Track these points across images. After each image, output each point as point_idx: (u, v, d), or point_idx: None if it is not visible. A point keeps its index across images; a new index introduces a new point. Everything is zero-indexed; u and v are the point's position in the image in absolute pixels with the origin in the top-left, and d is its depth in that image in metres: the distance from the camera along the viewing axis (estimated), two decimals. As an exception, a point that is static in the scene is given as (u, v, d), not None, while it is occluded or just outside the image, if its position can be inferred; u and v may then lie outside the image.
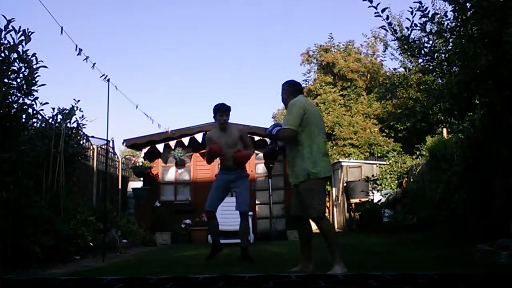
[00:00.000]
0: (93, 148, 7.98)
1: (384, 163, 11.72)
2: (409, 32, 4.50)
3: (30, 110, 4.42)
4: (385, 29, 4.84)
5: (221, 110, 4.46)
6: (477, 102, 4.78)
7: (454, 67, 4.63)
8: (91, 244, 5.35)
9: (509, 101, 4.04)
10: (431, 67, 4.94)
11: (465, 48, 4.06)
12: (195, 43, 38.13)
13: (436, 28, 4.50)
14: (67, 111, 6.09)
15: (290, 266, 3.45)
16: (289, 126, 3.22)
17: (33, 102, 4.41)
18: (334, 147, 15.56)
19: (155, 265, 4.51)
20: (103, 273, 3.27)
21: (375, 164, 11.97)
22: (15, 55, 4.13)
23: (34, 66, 4.26)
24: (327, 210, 11.67)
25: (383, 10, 4.32)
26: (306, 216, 3.34)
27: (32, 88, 4.28)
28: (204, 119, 9.51)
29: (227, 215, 7.48)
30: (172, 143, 8.77)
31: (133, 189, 8.81)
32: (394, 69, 16.14)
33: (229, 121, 4.61)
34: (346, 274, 2.62)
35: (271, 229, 8.37)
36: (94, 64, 5.49)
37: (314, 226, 3.35)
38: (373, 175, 11.06)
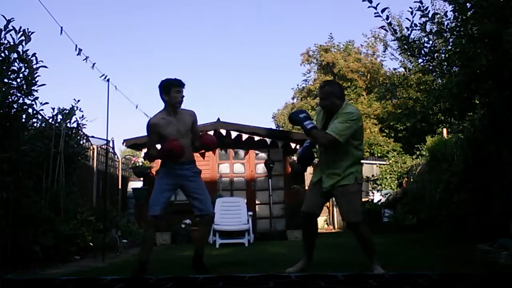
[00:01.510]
0: (93, 148, 7.98)
1: (384, 163, 11.73)
2: (409, 32, 4.51)
3: (30, 110, 4.43)
4: (385, 29, 4.84)
5: (178, 85, 3.41)
6: (477, 102, 4.79)
7: (454, 67, 4.63)
8: (91, 244, 5.35)
9: (509, 101, 4.04)
10: (431, 67, 4.94)
11: (465, 48, 4.06)
12: (194, 43, 38.15)
13: (436, 28, 4.50)
14: (67, 111, 6.09)
15: (290, 266, 3.45)
16: (336, 135, 3.04)
17: (33, 102, 4.43)
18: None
19: (155, 265, 4.51)
20: (103, 273, 3.28)
21: (375, 164, 11.98)
22: (15, 55, 4.13)
23: (34, 66, 4.26)
24: (327, 210, 11.67)
25: (383, 10, 4.32)
26: (346, 221, 3.33)
27: (32, 88, 4.29)
28: (204, 119, 9.50)
29: (227, 215, 7.49)
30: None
31: (133, 189, 8.81)
32: (394, 69, 16.18)
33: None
34: (346, 274, 2.62)
35: (271, 229, 8.36)
36: (94, 64, 5.49)
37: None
38: (373, 175, 11.07)
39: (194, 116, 3.57)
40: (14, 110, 4.18)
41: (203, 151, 3.64)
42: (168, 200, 3.47)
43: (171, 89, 3.38)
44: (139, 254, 3.55)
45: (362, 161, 3.42)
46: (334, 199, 3.40)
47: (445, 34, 4.41)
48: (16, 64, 4.15)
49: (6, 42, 4.07)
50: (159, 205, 3.37)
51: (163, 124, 3.39)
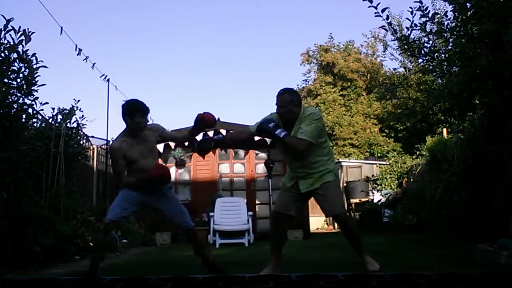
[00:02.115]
0: (93, 148, 7.98)
1: (384, 163, 11.74)
2: (409, 32, 4.50)
3: (30, 110, 4.43)
4: (385, 29, 4.84)
5: (144, 111, 3.27)
6: (477, 102, 4.78)
7: (454, 67, 4.63)
8: (91, 244, 5.35)
9: (509, 101, 4.04)
10: (431, 67, 4.94)
11: (465, 48, 4.06)
12: (194, 43, 38.07)
13: (436, 28, 4.50)
14: (67, 111, 6.09)
15: (290, 266, 3.45)
16: (309, 139, 3.07)
17: (33, 102, 4.42)
18: (334, 147, 15.57)
19: (155, 265, 4.52)
20: (103, 273, 3.27)
21: (375, 164, 11.99)
22: (15, 55, 4.13)
23: (34, 66, 4.26)
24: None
25: (383, 10, 4.32)
26: (331, 214, 3.32)
27: (32, 88, 4.29)
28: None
29: (227, 215, 7.49)
30: (172, 143, 8.76)
31: (133, 189, 8.80)
32: (394, 69, 16.22)
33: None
34: (346, 274, 2.62)
35: (271, 229, 8.36)
36: (94, 64, 5.50)
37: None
38: (373, 175, 11.07)
39: (158, 130, 3.44)
40: (14, 110, 4.18)
41: (202, 131, 3.52)
42: (128, 213, 3.35)
43: (136, 114, 3.23)
44: (90, 258, 3.38)
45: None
46: (314, 198, 3.33)
47: (445, 34, 4.41)
48: (16, 64, 4.15)
49: (6, 42, 4.07)
50: (114, 212, 3.25)
51: (125, 147, 3.24)
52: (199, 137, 3.63)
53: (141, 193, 3.28)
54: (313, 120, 3.13)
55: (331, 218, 12.01)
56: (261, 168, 8.93)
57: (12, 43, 4.09)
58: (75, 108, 6.20)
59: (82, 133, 6.80)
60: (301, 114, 3.19)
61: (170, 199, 3.38)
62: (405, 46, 4.61)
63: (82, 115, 6.36)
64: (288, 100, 3.18)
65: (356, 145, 15.78)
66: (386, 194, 10.14)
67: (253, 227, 7.80)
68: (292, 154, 3.25)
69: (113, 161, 3.35)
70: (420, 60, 5.12)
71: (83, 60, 5.41)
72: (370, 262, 3.21)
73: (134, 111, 3.24)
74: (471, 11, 4.09)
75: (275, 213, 3.37)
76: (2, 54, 4.04)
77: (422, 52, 4.58)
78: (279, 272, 3.15)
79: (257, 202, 8.86)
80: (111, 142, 3.35)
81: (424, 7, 4.28)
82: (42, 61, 4.32)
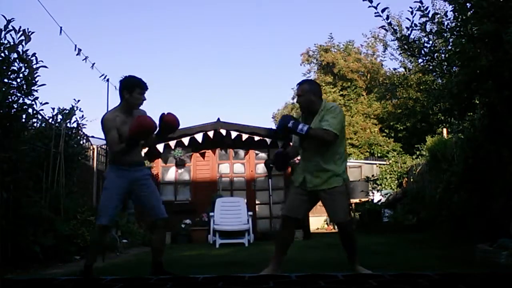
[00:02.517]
0: (93, 148, 7.98)
1: (384, 163, 11.74)
2: (409, 32, 4.51)
3: (30, 110, 4.43)
4: (385, 29, 4.85)
5: (143, 87, 3.25)
6: (477, 102, 4.78)
7: (454, 67, 4.63)
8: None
9: (509, 101, 4.04)
10: (431, 67, 4.94)
11: (465, 48, 4.06)
12: (194, 43, 38.11)
13: (436, 28, 4.50)
14: (67, 111, 6.09)
15: (290, 266, 3.45)
16: (334, 130, 3.07)
17: (33, 102, 4.42)
18: (334, 147, 15.58)
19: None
20: (103, 273, 3.27)
21: (375, 164, 12.00)
22: (15, 55, 4.13)
23: (34, 66, 4.26)
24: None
25: (383, 10, 4.32)
26: (336, 220, 3.25)
27: (32, 88, 4.29)
28: (204, 119, 9.50)
29: (227, 215, 7.50)
30: (172, 143, 8.76)
31: (133, 189, 8.80)
32: (394, 69, 16.22)
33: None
34: (346, 274, 2.62)
35: (271, 229, 8.36)
36: (93, 64, 5.49)
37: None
38: (373, 175, 11.08)
39: (145, 112, 3.37)
40: (14, 110, 4.18)
41: (166, 134, 3.36)
42: (118, 209, 3.28)
43: (135, 89, 3.19)
44: (86, 258, 3.37)
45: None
46: (320, 200, 3.29)
47: (445, 34, 4.41)
48: (16, 64, 4.15)
49: (6, 42, 4.07)
50: (108, 216, 3.18)
51: (118, 122, 3.16)
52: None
53: (123, 180, 3.19)
54: (337, 114, 3.15)
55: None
56: (261, 168, 8.94)
57: (12, 43, 4.09)
58: (75, 108, 6.20)
59: (82, 133, 6.80)
60: (322, 106, 3.19)
61: (149, 188, 3.28)
62: (405, 46, 4.61)
63: (82, 115, 6.37)
64: (307, 89, 3.23)
65: (356, 145, 15.79)
66: (386, 194, 10.15)
67: (253, 227, 7.81)
68: (308, 144, 3.23)
69: (106, 132, 3.19)
70: (420, 60, 5.13)
71: (83, 60, 5.40)
72: (362, 270, 3.14)
73: (134, 85, 3.20)
74: (471, 11, 4.09)
75: (284, 217, 3.32)
76: (2, 54, 4.04)
77: (422, 52, 4.58)
78: (279, 272, 3.15)
79: (257, 202, 8.86)
80: (102, 115, 3.27)
81: (424, 7, 4.28)
82: (42, 61, 4.32)
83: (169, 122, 3.19)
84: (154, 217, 3.29)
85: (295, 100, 21.51)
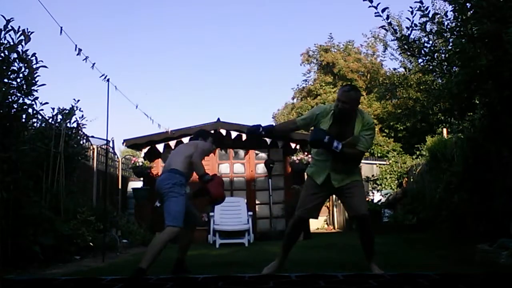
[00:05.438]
0: (93, 148, 7.98)
1: (384, 163, 11.73)
2: (409, 32, 4.50)
3: (30, 110, 4.43)
4: (385, 29, 4.85)
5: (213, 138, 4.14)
6: (477, 102, 4.78)
7: (454, 67, 4.63)
8: (91, 244, 5.35)
9: (509, 101, 4.03)
10: (431, 67, 4.94)
11: (465, 48, 4.06)
12: (194, 43, 38.13)
13: (436, 28, 4.50)
14: (67, 111, 6.09)
15: (290, 266, 3.45)
16: (366, 150, 3.09)
17: (33, 102, 4.43)
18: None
19: (155, 265, 4.50)
20: (103, 273, 3.27)
21: (375, 164, 11.98)
22: (15, 55, 4.13)
23: (34, 66, 4.26)
24: (327, 210, 11.66)
25: (383, 10, 4.32)
26: (360, 213, 3.17)
27: (32, 88, 4.29)
28: (204, 119, 9.50)
29: (227, 215, 7.49)
30: (172, 143, 8.75)
31: (133, 189, 8.81)
32: (394, 69, 16.17)
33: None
34: (346, 274, 2.62)
35: (271, 229, 8.36)
36: (93, 64, 5.48)
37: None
38: (373, 175, 11.07)
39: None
40: (14, 110, 4.18)
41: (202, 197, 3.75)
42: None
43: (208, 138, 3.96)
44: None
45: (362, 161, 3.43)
46: (339, 196, 3.32)
47: (445, 34, 4.41)
48: (16, 64, 4.15)
49: (6, 42, 4.07)
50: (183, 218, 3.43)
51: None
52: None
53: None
54: (373, 132, 3.16)
55: (331, 218, 12.01)
56: (261, 168, 8.93)
57: (12, 43, 4.08)
58: (75, 108, 6.20)
59: (82, 133, 6.80)
60: (359, 116, 3.13)
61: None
62: (405, 46, 4.61)
63: (82, 115, 6.37)
64: (355, 98, 3.11)
65: (356, 145, 15.78)
66: (386, 194, 10.14)
67: (253, 227, 7.81)
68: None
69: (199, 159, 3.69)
70: (420, 60, 5.12)
71: (83, 60, 5.38)
72: (376, 270, 3.08)
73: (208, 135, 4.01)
74: (471, 11, 4.09)
75: (299, 218, 3.26)
76: (2, 54, 4.04)
77: (422, 52, 4.58)
78: (281, 272, 3.15)
79: (257, 202, 8.86)
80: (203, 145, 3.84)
81: (424, 7, 4.28)
82: (42, 61, 4.32)
83: (214, 196, 3.56)
84: (192, 222, 3.69)
85: (294, 100, 21.75)
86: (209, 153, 4.02)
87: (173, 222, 3.31)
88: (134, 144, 8.99)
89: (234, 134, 8.58)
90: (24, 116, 4.43)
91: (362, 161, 12.84)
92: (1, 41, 4.04)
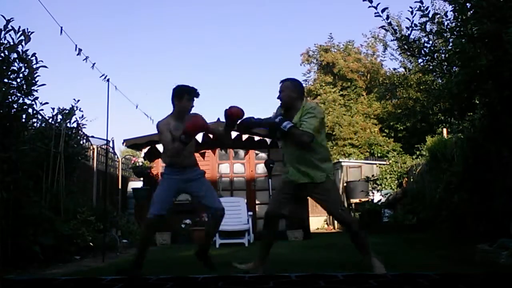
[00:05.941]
0: (93, 148, 7.98)
1: (384, 163, 11.73)
2: (409, 32, 4.51)
3: (30, 110, 4.43)
4: (385, 29, 4.85)
5: (194, 94, 3.47)
6: (477, 102, 4.78)
7: (454, 67, 4.63)
8: (91, 244, 5.35)
9: (509, 101, 4.04)
10: (431, 67, 4.94)
11: (465, 48, 4.06)
12: (194, 43, 38.11)
13: (436, 28, 4.50)
14: (67, 111, 6.09)
15: (290, 266, 3.45)
16: (312, 131, 3.06)
17: (33, 102, 4.43)
18: (334, 147, 15.57)
19: (155, 265, 4.51)
20: (103, 273, 3.27)
21: (375, 164, 11.98)
22: (15, 55, 4.13)
23: (34, 66, 4.26)
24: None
25: (383, 10, 4.32)
26: (335, 216, 3.29)
27: (32, 88, 4.29)
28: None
29: (227, 215, 7.47)
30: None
31: (133, 189, 8.80)
32: (394, 69, 16.17)
33: None
34: (346, 274, 2.62)
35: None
36: (94, 64, 5.49)
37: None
38: (373, 175, 11.07)
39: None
40: (14, 110, 4.18)
41: (233, 126, 3.59)
42: (170, 204, 3.48)
43: (184, 96, 3.41)
44: (139, 255, 3.51)
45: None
46: (310, 197, 3.39)
47: (445, 34, 4.41)
48: (16, 64, 4.15)
49: (6, 42, 4.07)
50: (164, 204, 3.38)
51: (171, 127, 3.34)
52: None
53: (176, 181, 3.42)
54: (316, 114, 3.13)
55: (331, 218, 12.01)
56: (261, 168, 8.93)
57: (12, 43, 4.08)
58: (75, 108, 6.21)
59: (82, 133, 6.80)
60: (303, 106, 3.19)
61: (202, 183, 3.52)
62: (405, 46, 4.61)
63: (82, 115, 6.37)
64: (289, 85, 3.25)
65: (356, 145, 15.78)
66: (386, 194, 10.14)
67: (253, 227, 7.80)
68: (285, 143, 3.30)
69: (160, 133, 3.37)
70: (420, 60, 5.13)
71: (83, 60, 5.39)
72: (378, 269, 3.04)
73: (183, 92, 3.42)
74: (471, 11, 4.09)
75: (268, 214, 3.38)
76: (2, 54, 4.04)
77: (422, 52, 4.58)
78: (266, 269, 3.21)
79: (257, 202, 8.85)
80: (156, 122, 3.45)
81: (424, 7, 4.28)
82: (42, 61, 4.32)
83: (232, 114, 3.36)
84: (208, 209, 3.51)
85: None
86: (163, 127, 3.37)
87: (151, 210, 3.33)
88: (134, 144, 8.99)
89: (234, 134, 8.57)
90: (24, 116, 4.43)
91: (362, 161, 12.90)
92: (1, 41, 4.04)
